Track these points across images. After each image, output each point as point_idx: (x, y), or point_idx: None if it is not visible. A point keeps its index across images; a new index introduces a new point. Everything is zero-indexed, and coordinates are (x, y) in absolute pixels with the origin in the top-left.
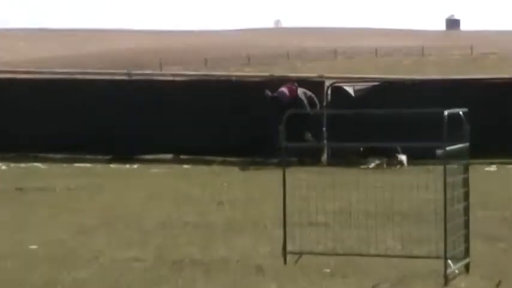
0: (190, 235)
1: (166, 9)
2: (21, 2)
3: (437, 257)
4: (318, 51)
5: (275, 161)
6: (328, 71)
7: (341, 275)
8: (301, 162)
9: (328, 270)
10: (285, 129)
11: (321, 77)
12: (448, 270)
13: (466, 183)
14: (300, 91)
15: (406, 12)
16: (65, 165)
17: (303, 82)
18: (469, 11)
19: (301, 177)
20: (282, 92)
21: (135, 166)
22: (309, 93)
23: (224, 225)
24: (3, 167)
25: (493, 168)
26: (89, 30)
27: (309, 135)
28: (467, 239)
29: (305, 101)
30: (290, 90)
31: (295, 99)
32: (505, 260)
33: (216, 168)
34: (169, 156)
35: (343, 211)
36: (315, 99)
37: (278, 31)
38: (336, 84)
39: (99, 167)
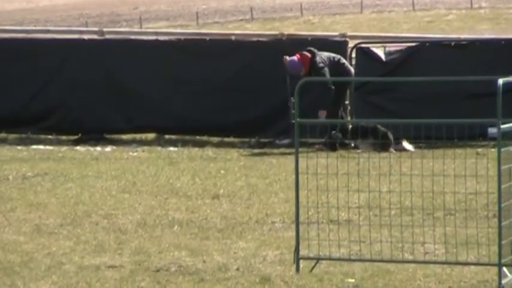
0: (178, 236)
1: None
2: None
3: (490, 264)
4: (339, 3)
5: (286, 141)
6: (352, 29)
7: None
8: (331, 147)
9: (352, 281)
10: (300, 101)
11: (343, 36)
12: (503, 281)
13: None
14: (321, 57)
15: None
16: (19, 147)
17: (321, 43)
18: None
19: (318, 162)
20: (293, 61)
21: (108, 149)
22: (337, 57)
23: (221, 223)
24: None
25: None
26: None
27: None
28: None
29: (327, 72)
30: (303, 60)
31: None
32: None
33: (210, 151)
34: (151, 135)
35: (371, 205)
36: (346, 66)
37: None
38: (362, 45)
39: (63, 149)
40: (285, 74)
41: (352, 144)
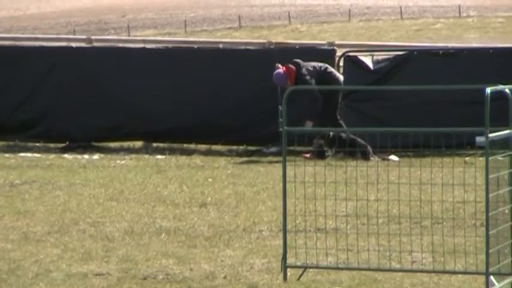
0: (165, 244)
1: None
2: None
3: (478, 273)
4: (327, 11)
5: (274, 150)
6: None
7: None
8: (319, 155)
9: None
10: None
11: (331, 44)
12: None
13: None
14: (306, 69)
15: None
16: (7, 154)
17: (309, 51)
18: None
19: (306, 170)
20: (278, 74)
21: (96, 156)
22: (323, 66)
23: (208, 232)
24: None
25: None
26: None
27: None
28: None
29: (313, 83)
30: (288, 72)
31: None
32: None
33: (198, 159)
34: (138, 143)
35: (358, 214)
36: (334, 74)
37: None
38: (350, 54)
39: (51, 157)
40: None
41: (329, 153)
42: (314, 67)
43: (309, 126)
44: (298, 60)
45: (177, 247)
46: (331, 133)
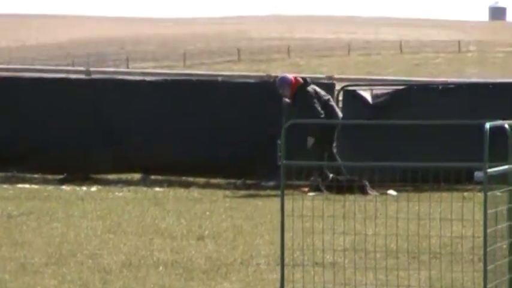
0: (163, 277)
1: None
2: None
3: None
4: (327, 45)
5: (272, 183)
6: (339, 71)
7: None
8: (316, 189)
9: None
10: (286, 141)
11: (330, 78)
12: None
13: None
14: (313, 89)
15: None
16: (5, 185)
17: None
18: None
19: (304, 204)
20: (285, 78)
21: (94, 188)
22: (327, 97)
23: (205, 264)
24: None
25: None
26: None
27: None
28: None
29: (317, 104)
30: (294, 81)
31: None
32: None
33: (196, 192)
34: (137, 176)
35: (356, 248)
36: (335, 108)
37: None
38: (349, 88)
39: (49, 189)
40: (282, 105)
41: (323, 189)
42: (319, 93)
43: (310, 142)
44: (308, 79)
45: (175, 280)
46: (330, 175)
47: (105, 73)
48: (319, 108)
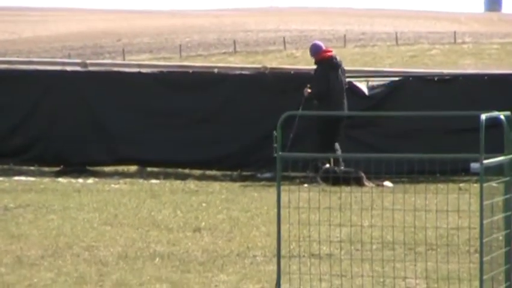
0: (159, 269)
1: None
2: None
3: None
4: (323, 37)
5: (268, 175)
6: None
7: None
8: (313, 180)
9: None
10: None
11: None
12: None
13: (508, 206)
14: (343, 70)
15: None
16: (1, 178)
17: (304, 77)
18: None
19: (300, 196)
20: (317, 45)
21: (90, 181)
22: (344, 81)
23: (202, 257)
24: None
25: None
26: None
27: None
28: (508, 277)
29: (324, 80)
30: (325, 50)
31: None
32: None
33: (192, 184)
34: (133, 168)
35: (352, 240)
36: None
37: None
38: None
39: (45, 181)
40: (300, 97)
41: (319, 181)
42: (340, 77)
43: (306, 93)
44: (336, 58)
45: (171, 272)
46: (326, 165)
47: (101, 65)
48: (323, 86)
